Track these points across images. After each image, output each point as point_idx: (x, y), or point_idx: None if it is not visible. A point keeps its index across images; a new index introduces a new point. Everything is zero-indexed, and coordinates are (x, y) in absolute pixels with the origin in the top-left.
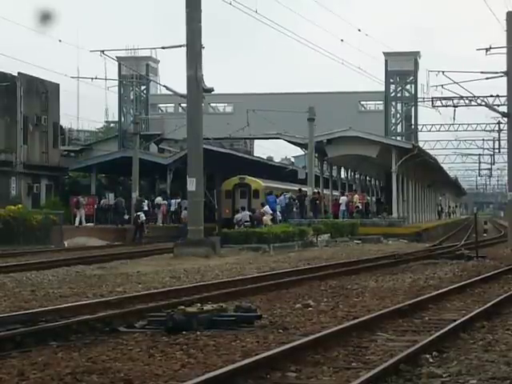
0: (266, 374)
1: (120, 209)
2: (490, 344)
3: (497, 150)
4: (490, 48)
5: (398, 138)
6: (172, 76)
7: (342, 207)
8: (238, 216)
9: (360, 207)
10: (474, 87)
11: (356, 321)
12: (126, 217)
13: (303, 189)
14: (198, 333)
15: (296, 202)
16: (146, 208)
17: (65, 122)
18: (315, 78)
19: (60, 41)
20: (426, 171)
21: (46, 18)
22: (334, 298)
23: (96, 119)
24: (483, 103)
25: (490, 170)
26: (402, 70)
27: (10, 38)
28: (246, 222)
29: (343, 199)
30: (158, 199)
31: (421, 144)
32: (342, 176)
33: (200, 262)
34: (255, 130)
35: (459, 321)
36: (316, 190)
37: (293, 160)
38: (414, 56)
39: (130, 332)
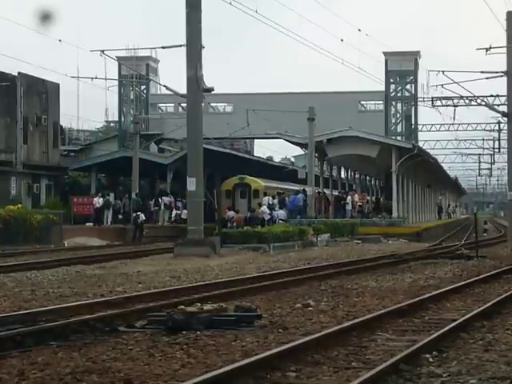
0: (266, 373)
1: (127, 208)
2: (490, 344)
3: (497, 150)
4: (490, 48)
5: (398, 138)
6: (172, 76)
7: (348, 207)
8: (230, 213)
9: (360, 207)
10: (474, 87)
11: (356, 320)
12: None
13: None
14: (198, 332)
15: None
16: (152, 208)
17: (65, 121)
18: (315, 78)
19: (60, 40)
20: (425, 171)
21: (46, 17)
22: (334, 298)
23: (96, 119)
24: (483, 103)
25: (490, 169)
26: (402, 69)
27: (10, 38)
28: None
29: (349, 199)
30: (167, 199)
31: (421, 144)
32: (342, 176)
33: (200, 262)
34: (255, 129)
35: (459, 320)
36: (317, 190)
37: (293, 160)
38: (414, 56)
39: (130, 332)
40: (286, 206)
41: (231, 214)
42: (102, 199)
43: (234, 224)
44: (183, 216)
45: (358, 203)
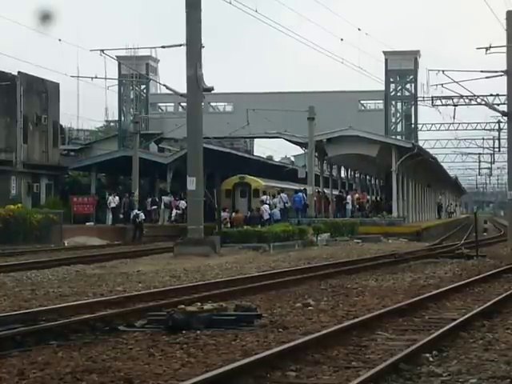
0: (266, 373)
1: (126, 207)
2: (489, 343)
3: (497, 149)
4: (490, 47)
5: (398, 137)
6: (172, 75)
7: (348, 206)
8: (223, 214)
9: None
10: (474, 86)
11: (356, 320)
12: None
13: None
14: (198, 332)
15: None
16: (149, 208)
17: (65, 121)
18: (315, 77)
19: (60, 40)
20: (425, 170)
21: (46, 17)
22: (334, 297)
23: (96, 118)
24: (483, 102)
25: (490, 169)
26: (401, 68)
27: (10, 38)
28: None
29: (349, 198)
30: (167, 198)
31: (421, 143)
32: (342, 175)
33: (200, 262)
34: (255, 129)
35: (459, 320)
36: (317, 190)
37: (293, 159)
38: (414, 55)
39: (130, 331)
40: (294, 205)
41: (225, 215)
42: (117, 198)
43: (228, 225)
44: (182, 206)
45: (357, 202)
